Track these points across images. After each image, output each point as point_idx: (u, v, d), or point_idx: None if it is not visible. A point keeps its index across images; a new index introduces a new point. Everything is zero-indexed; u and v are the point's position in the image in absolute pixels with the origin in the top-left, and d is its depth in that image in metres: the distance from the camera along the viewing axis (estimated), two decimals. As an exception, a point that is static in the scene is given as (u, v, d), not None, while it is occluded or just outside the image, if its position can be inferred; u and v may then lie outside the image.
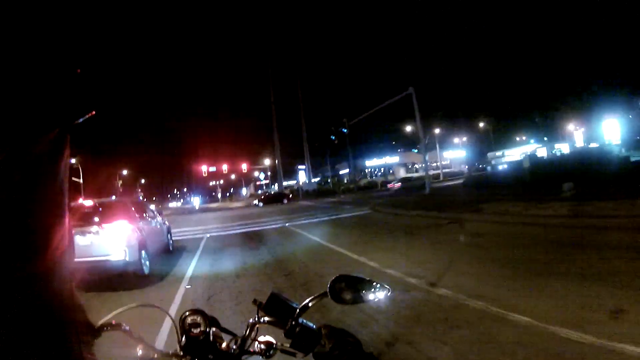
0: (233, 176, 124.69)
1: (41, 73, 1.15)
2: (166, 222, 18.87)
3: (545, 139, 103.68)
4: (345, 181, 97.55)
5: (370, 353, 1.56)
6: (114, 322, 1.73)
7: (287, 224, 25.48)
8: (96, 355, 1.47)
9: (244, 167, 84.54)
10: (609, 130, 70.13)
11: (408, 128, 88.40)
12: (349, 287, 1.71)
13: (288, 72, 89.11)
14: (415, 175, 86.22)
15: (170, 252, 17.40)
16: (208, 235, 24.01)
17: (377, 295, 1.70)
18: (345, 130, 48.71)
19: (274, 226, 25.37)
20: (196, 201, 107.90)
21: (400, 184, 69.61)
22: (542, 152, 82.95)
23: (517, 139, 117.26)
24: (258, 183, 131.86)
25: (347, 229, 21.19)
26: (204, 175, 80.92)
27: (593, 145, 70.86)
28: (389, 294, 1.69)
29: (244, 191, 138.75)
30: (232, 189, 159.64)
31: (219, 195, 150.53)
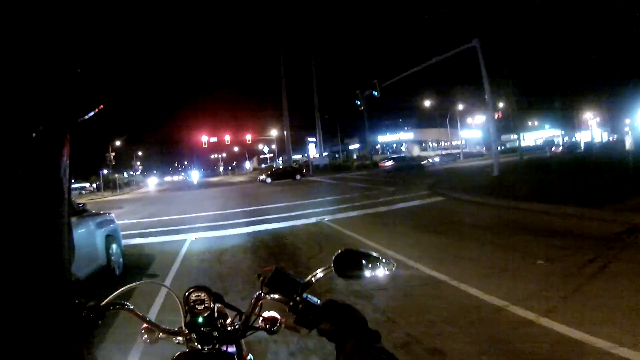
0: (236, 149, 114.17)
1: (40, 71, 1.07)
2: (108, 219, 10.22)
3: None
4: (355, 157, 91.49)
5: (376, 331, 1.41)
6: (117, 301, 1.67)
7: (326, 219, 15.57)
8: (96, 341, 1.76)
9: (249, 138, 73.20)
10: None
11: (426, 103, 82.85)
12: (354, 261, 1.61)
13: (299, 35, 78.68)
14: (431, 154, 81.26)
15: (116, 276, 9.53)
16: (193, 237, 14.25)
17: (383, 271, 1.59)
18: (377, 94, 38.52)
19: (304, 222, 15.49)
20: (195, 175, 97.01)
21: (438, 159, 66.94)
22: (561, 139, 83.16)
23: (530, 123, 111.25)
24: (262, 157, 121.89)
25: (470, 240, 10.52)
26: (203, 146, 71.06)
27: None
28: (393, 269, 1.60)
29: (247, 165, 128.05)
30: (234, 163, 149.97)
31: (221, 169, 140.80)
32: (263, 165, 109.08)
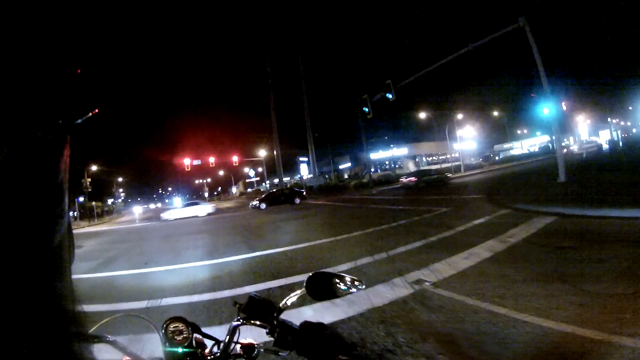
0: (222, 172, 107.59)
1: (40, 72, 1.04)
2: None
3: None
4: (346, 176, 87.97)
5: (353, 343, 1.50)
6: (98, 334, 1.70)
7: (427, 283, 8.03)
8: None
9: (235, 159, 65.72)
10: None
11: (422, 115, 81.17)
12: (325, 283, 1.69)
13: (288, 54, 73.22)
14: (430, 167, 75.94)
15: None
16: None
17: (352, 290, 1.69)
18: (391, 96, 32.36)
19: (387, 292, 7.74)
20: (177, 202, 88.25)
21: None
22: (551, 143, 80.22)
23: (519, 132, 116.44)
24: (247, 180, 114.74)
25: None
26: (186, 169, 62.08)
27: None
28: (362, 288, 1.69)
29: (233, 189, 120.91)
30: (220, 188, 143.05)
31: (206, 195, 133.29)
32: (250, 190, 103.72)
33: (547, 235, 10.97)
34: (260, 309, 1.69)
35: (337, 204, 35.23)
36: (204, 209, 46.87)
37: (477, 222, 14.41)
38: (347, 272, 7.66)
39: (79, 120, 1.16)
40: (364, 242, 13.24)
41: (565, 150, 67.99)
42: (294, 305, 1.71)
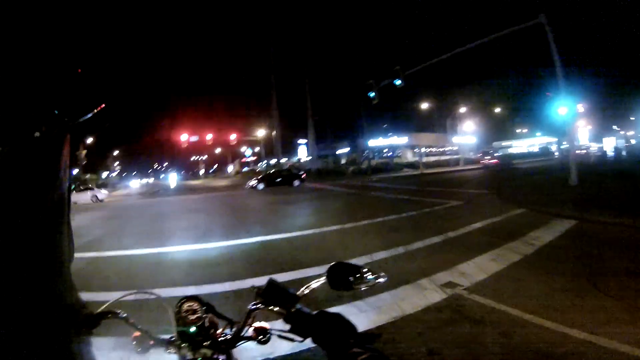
0: (219, 150, 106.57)
1: (41, 72, 1.07)
2: None
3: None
4: (343, 161, 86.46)
5: (367, 334, 2.08)
6: (110, 310, 1.69)
7: (462, 287, 7.12)
8: (93, 345, 1.51)
9: (233, 137, 64.57)
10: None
11: (424, 105, 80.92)
12: (346, 274, 1.66)
13: (290, 31, 71.92)
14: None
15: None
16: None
17: (374, 282, 1.66)
18: (399, 83, 31.35)
19: (416, 297, 6.82)
20: (172, 178, 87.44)
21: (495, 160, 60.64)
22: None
23: (518, 131, 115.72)
24: (244, 160, 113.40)
25: None
26: (183, 145, 60.79)
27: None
28: (384, 281, 1.66)
29: (229, 168, 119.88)
30: (216, 166, 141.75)
31: (202, 172, 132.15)
32: (246, 169, 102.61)
33: (573, 240, 10.30)
34: (278, 295, 1.64)
35: (336, 189, 34.42)
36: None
37: (494, 220, 13.60)
38: (364, 266, 6.81)
39: (80, 120, 1.12)
40: (375, 233, 12.37)
41: (584, 151, 68.02)
42: (314, 295, 1.65)
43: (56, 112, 1.07)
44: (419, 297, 6.71)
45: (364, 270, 1.66)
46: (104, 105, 1.20)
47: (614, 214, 13.05)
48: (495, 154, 62.59)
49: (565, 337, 5.03)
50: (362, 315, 6.04)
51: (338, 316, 1.51)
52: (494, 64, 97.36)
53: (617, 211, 13.36)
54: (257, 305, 1.69)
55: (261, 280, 2.14)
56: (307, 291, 1.68)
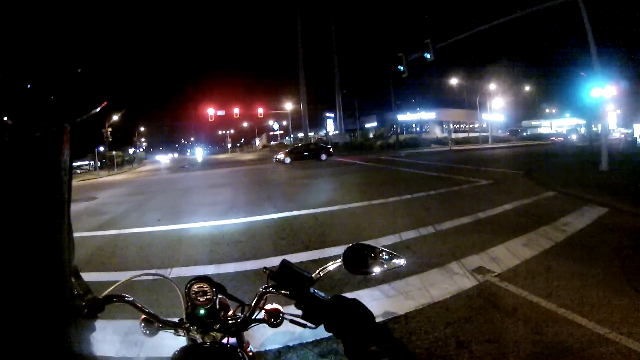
0: (245, 124, 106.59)
1: (41, 71, 1.04)
2: None
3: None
4: (371, 135, 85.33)
5: (384, 325, 1.96)
6: (116, 293, 1.67)
7: (493, 273, 6.86)
8: (104, 330, 1.52)
9: (260, 111, 64.35)
10: None
11: (453, 81, 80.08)
12: (364, 256, 1.63)
13: (318, 4, 70.21)
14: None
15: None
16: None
17: (392, 265, 1.63)
18: (429, 57, 30.65)
19: (446, 281, 6.63)
20: (199, 152, 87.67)
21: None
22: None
23: (547, 110, 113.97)
24: (271, 133, 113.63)
25: None
26: (210, 119, 60.55)
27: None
28: (403, 264, 1.64)
29: (256, 142, 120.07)
30: (242, 140, 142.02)
31: (229, 146, 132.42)
32: (273, 143, 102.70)
33: (606, 230, 9.73)
34: (291, 278, 1.59)
35: (364, 163, 34.10)
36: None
37: (524, 201, 13.18)
38: (392, 247, 6.99)
39: (84, 117, 1.13)
40: (404, 211, 12.14)
41: (622, 136, 66.72)
42: (333, 289, 1.54)
43: (57, 110, 1.05)
44: (448, 282, 6.50)
45: (382, 251, 1.63)
46: (106, 103, 1.17)
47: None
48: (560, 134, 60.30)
49: (599, 337, 4.77)
50: (388, 301, 5.84)
51: (355, 302, 1.48)
52: (525, 40, 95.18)
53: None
54: (269, 289, 1.65)
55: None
56: (322, 274, 1.64)
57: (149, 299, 5.28)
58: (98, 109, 1.18)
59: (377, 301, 5.85)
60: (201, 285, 1.65)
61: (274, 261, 7.47)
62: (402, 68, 32.92)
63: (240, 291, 6.15)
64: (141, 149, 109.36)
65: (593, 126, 51.05)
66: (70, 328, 1.15)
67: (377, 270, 1.61)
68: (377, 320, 4.95)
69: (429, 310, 5.51)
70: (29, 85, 0.98)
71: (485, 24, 28.73)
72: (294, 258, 7.85)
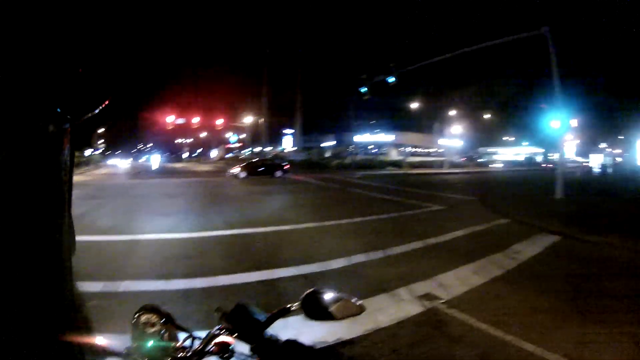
0: (204, 134, 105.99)
1: (41, 70, 1.01)
2: None
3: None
4: (328, 155, 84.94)
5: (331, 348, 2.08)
6: None
7: (441, 300, 6.94)
8: None
9: (219, 122, 64.27)
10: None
11: (413, 105, 78.39)
12: (323, 302, 1.59)
13: (286, 23, 70.97)
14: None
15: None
16: None
17: (351, 313, 1.60)
18: (392, 80, 31.01)
19: (395, 311, 6.44)
20: (155, 160, 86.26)
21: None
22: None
23: (505, 138, 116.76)
24: (228, 146, 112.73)
25: None
26: (168, 127, 60.02)
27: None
28: (362, 312, 1.60)
29: (213, 153, 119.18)
30: (200, 150, 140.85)
31: (185, 155, 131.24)
32: (229, 155, 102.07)
33: (556, 257, 10.17)
34: (245, 320, 1.55)
35: (319, 183, 34.15)
36: None
37: (476, 228, 13.39)
38: (341, 270, 7.10)
39: (87, 116, 1.14)
40: (355, 234, 12.12)
41: (584, 164, 69.04)
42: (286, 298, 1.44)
43: (58, 109, 1.02)
44: (395, 308, 6.46)
45: (342, 298, 1.60)
46: (108, 102, 1.17)
47: (598, 232, 12.99)
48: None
49: None
50: (335, 325, 5.68)
51: (310, 349, 1.48)
52: (487, 69, 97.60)
53: (603, 230, 13.31)
54: (221, 332, 1.56)
55: (232, 279, 1.95)
56: (279, 317, 1.57)
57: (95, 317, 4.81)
58: (97, 110, 1.17)
59: (324, 325, 5.63)
60: (149, 315, 1.62)
61: (222, 280, 7.62)
62: (364, 90, 33.26)
63: (187, 309, 5.97)
64: (98, 151, 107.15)
65: (550, 155, 52.85)
66: (70, 333, 1.10)
67: (336, 318, 1.58)
68: (324, 344, 4.89)
69: (375, 336, 5.45)
70: (29, 85, 0.95)
71: (450, 51, 29.37)
72: (244, 278, 7.81)
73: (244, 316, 1.58)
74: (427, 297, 6.92)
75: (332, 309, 1.57)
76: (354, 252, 9.73)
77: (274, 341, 1.51)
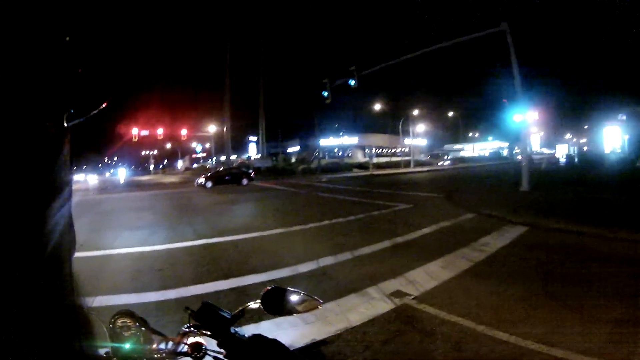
0: (169, 145, 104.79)
1: (41, 71, 1.01)
2: None
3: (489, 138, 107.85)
4: (294, 160, 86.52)
5: (304, 349, 2.08)
6: None
7: (411, 296, 6.96)
8: None
9: (184, 133, 63.44)
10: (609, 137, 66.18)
11: (377, 107, 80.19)
12: (282, 298, 1.70)
13: (248, 30, 70.85)
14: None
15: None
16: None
17: (309, 307, 1.69)
18: (353, 83, 31.41)
19: (365, 308, 6.55)
20: (122, 173, 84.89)
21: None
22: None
23: (470, 134, 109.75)
24: (194, 156, 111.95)
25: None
26: (133, 139, 59.01)
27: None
28: (320, 306, 1.69)
29: (179, 164, 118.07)
30: (166, 161, 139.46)
31: (152, 167, 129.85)
32: (195, 165, 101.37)
33: (524, 247, 10.24)
34: (212, 318, 1.61)
35: (286, 189, 34.09)
36: None
37: (443, 224, 13.50)
38: (310, 274, 7.58)
39: (86, 117, 1.14)
40: (322, 237, 12.16)
41: (552, 156, 70.09)
42: (253, 318, 1.43)
43: (57, 110, 1.02)
44: (366, 307, 6.46)
45: (299, 294, 1.68)
46: (106, 103, 1.20)
47: (565, 220, 13.16)
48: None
49: (518, 348, 4.90)
50: (307, 327, 5.75)
51: (274, 342, 1.48)
52: (449, 68, 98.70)
53: (568, 218, 13.48)
54: (191, 329, 1.64)
55: (204, 288, 1.92)
56: (243, 314, 1.66)
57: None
58: (96, 110, 1.19)
59: (296, 327, 5.76)
60: (125, 319, 1.64)
61: (194, 290, 7.54)
62: (326, 94, 33.26)
63: (162, 321, 6.00)
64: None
65: (515, 148, 53.46)
66: (71, 331, 1.14)
67: (294, 312, 1.68)
68: (297, 345, 4.85)
69: (347, 335, 5.45)
70: (30, 85, 0.95)
71: (412, 52, 29.55)
72: (214, 286, 7.73)
73: (210, 313, 1.62)
74: (397, 294, 6.93)
75: (290, 304, 1.67)
76: (323, 255, 9.71)
77: (240, 336, 1.55)
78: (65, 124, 1.05)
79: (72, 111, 1.07)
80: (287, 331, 5.57)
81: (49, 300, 1.02)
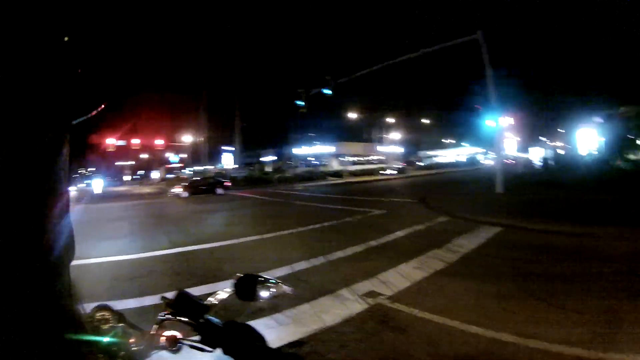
0: (145, 155, 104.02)
1: (41, 71, 1.00)
2: None
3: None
4: (269, 169, 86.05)
5: (278, 349, 1.60)
6: None
7: (384, 296, 7.09)
8: None
9: (160, 143, 63.11)
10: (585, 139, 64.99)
11: (352, 115, 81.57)
12: (254, 285, 1.71)
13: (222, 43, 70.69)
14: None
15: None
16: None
17: (279, 291, 1.73)
18: (329, 92, 32.40)
19: (341, 309, 6.63)
20: (97, 184, 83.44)
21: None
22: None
23: (444, 140, 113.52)
24: (169, 166, 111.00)
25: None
26: (109, 150, 58.35)
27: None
28: (290, 291, 1.73)
29: (155, 174, 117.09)
30: (142, 172, 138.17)
31: (127, 178, 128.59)
32: (171, 176, 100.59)
33: (498, 247, 10.46)
34: (188, 306, 1.61)
35: (261, 197, 34.08)
36: None
37: (417, 228, 13.62)
38: (284, 278, 6.74)
39: (83, 118, 1.15)
40: (296, 243, 12.22)
41: (512, 161, 70.71)
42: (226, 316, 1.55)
43: (55, 112, 1.01)
44: (340, 307, 6.53)
45: (269, 280, 1.70)
46: (104, 106, 1.22)
47: (538, 220, 13.46)
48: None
49: (494, 341, 4.98)
50: (281, 328, 5.79)
51: (247, 327, 1.52)
52: (422, 75, 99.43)
53: (541, 218, 13.81)
54: (166, 316, 1.63)
55: None
56: (214, 301, 1.67)
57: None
58: (92, 113, 1.20)
59: (272, 329, 5.81)
60: (103, 313, 1.64)
61: (171, 296, 7.40)
62: (301, 103, 33.39)
63: (141, 325, 5.80)
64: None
65: (491, 153, 53.94)
66: (68, 335, 1.13)
67: (265, 296, 1.68)
68: (272, 346, 4.86)
69: (322, 335, 5.50)
70: (29, 87, 0.95)
71: (387, 60, 29.74)
72: (193, 292, 7.35)
73: (185, 301, 1.64)
74: (371, 294, 7.00)
75: (262, 290, 1.67)
76: (297, 260, 9.77)
77: (214, 323, 1.55)
78: (65, 125, 1.05)
79: (71, 111, 1.08)
80: (263, 332, 5.35)
81: (47, 303, 1.02)
